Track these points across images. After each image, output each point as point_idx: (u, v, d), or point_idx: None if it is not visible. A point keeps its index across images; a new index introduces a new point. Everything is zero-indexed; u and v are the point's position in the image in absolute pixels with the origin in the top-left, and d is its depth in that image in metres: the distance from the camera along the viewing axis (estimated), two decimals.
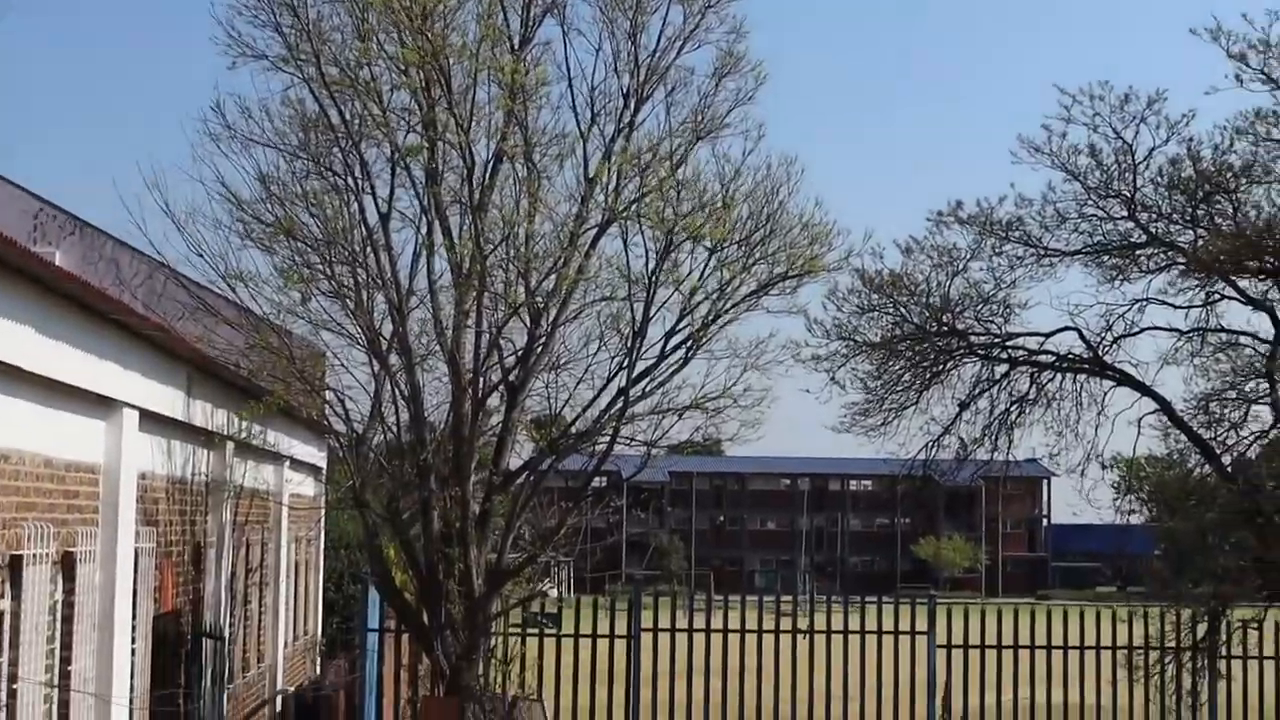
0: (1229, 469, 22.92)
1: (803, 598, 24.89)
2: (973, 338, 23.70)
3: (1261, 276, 22.57)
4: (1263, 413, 22.94)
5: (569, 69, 17.14)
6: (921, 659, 20.21)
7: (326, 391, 18.20)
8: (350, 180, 16.86)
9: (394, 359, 16.97)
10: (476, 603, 17.26)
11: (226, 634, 18.90)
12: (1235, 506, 22.02)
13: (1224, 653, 20.73)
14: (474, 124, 16.56)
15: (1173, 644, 20.85)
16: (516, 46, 16.76)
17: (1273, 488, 23.22)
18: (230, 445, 19.26)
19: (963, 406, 24.09)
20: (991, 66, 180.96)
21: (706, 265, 17.34)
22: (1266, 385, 22.57)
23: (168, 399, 15.95)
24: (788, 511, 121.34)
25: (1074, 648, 20.50)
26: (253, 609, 21.82)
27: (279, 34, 16.40)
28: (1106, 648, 20.76)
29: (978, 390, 23.98)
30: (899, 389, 23.75)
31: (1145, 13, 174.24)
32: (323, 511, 25.87)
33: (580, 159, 17.11)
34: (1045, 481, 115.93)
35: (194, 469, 17.99)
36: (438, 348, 17.03)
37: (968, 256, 23.51)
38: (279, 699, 23.13)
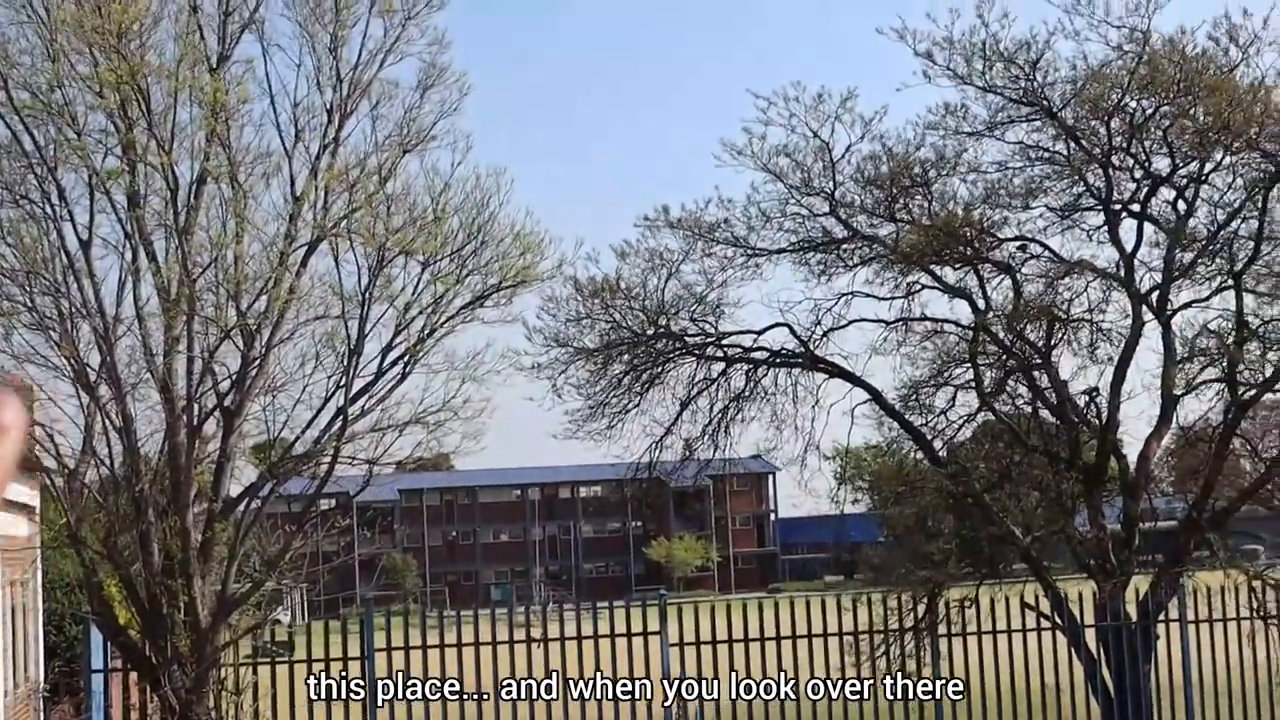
0: (941, 453, 23.77)
1: (536, 607, 24.98)
2: (688, 338, 24.12)
3: (958, 264, 23.48)
4: (968, 397, 23.85)
5: (270, 86, 16.92)
6: (656, 658, 20.44)
7: (35, 427, 17.60)
8: (48, 207, 16.31)
9: (104, 390, 16.51)
10: (203, 635, 16.91)
11: None
12: (945, 490, 22.85)
13: (943, 631, 21.42)
14: (176, 145, 16.23)
15: (895, 626, 21.49)
16: (216, 65, 16.48)
17: (981, 470, 24.17)
18: None
19: (683, 406, 24.49)
20: (697, 76, 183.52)
21: (420, 279, 17.31)
22: (970, 370, 23.45)
23: None
24: (520, 522, 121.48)
25: (801, 637, 20.93)
26: None
27: None
28: (833, 634, 21.25)
29: (696, 390, 24.42)
30: (619, 392, 24.04)
31: (835, 13, 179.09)
32: (38, 552, 24.96)
33: (287, 177, 16.91)
34: (770, 476, 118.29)
35: None
36: (149, 375, 16.62)
37: (679, 259, 23.95)
38: None
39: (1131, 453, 23.17)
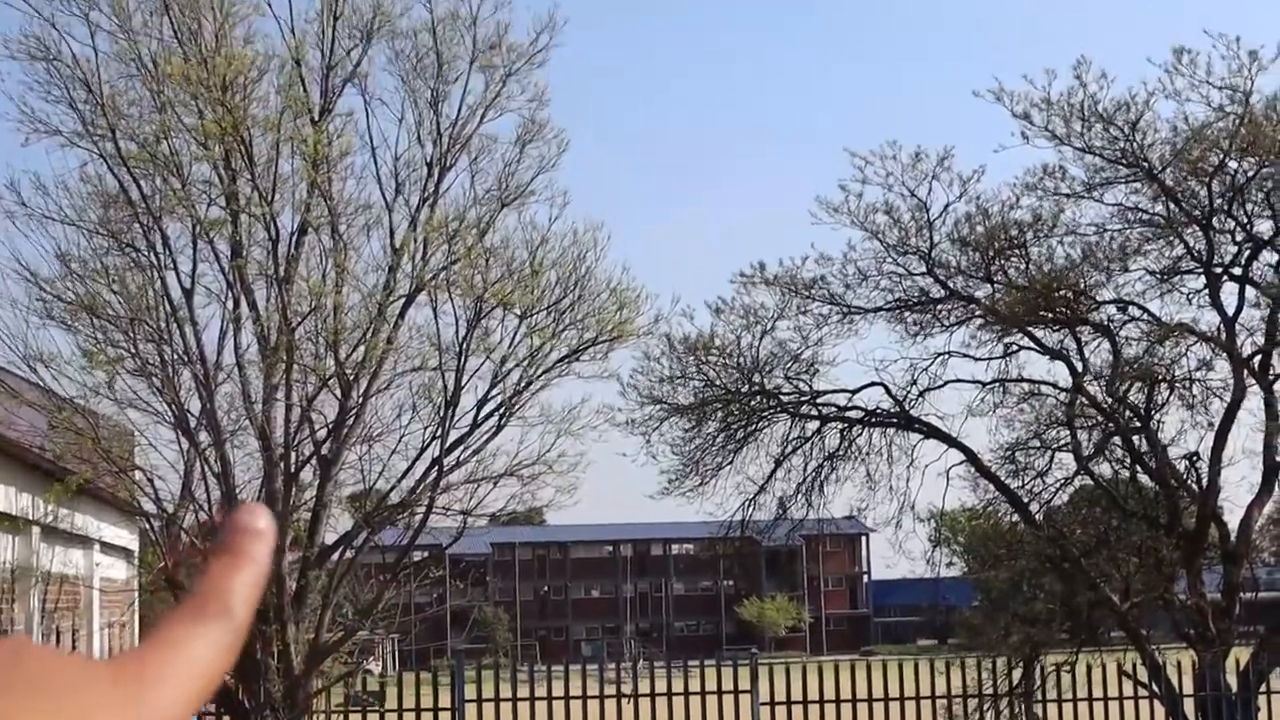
0: (1037, 516, 23.51)
1: (626, 664, 24.93)
2: (782, 396, 24.06)
3: (1056, 326, 23.28)
4: (1066, 460, 23.60)
5: (372, 139, 17.16)
6: (746, 717, 20.31)
7: (135, 472, 17.84)
8: (153, 256, 16.60)
9: (203, 436, 16.71)
10: (296, 681, 17.00)
11: None
12: (1043, 553, 22.59)
13: (1039, 697, 21.15)
14: (277, 196, 16.46)
15: (990, 691, 21.24)
16: (318, 117, 16.72)
17: (1078, 534, 23.87)
18: (36, 530, 18.78)
19: (776, 464, 24.41)
20: (791, 133, 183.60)
21: (516, 332, 17.40)
22: (1067, 433, 23.21)
23: None
24: (611, 578, 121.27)
25: (894, 699, 20.74)
26: None
27: (73, 109, 16.17)
28: (926, 698, 21.04)
29: (790, 448, 24.34)
30: (713, 449, 24.01)
31: (931, 77, 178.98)
32: (136, 595, 25.27)
33: (386, 229, 17.11)
34: (864, 537, 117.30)
35: None
36: (248, 423, 16.81)
37: (775, 316, 23.94)
38: None
39: (1232, 520, 22.82)
